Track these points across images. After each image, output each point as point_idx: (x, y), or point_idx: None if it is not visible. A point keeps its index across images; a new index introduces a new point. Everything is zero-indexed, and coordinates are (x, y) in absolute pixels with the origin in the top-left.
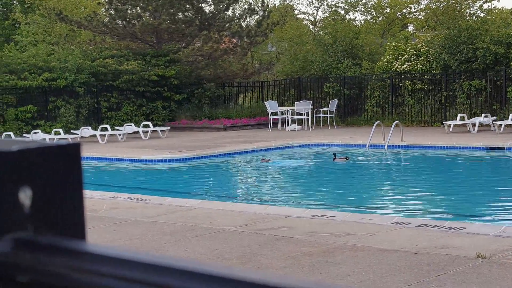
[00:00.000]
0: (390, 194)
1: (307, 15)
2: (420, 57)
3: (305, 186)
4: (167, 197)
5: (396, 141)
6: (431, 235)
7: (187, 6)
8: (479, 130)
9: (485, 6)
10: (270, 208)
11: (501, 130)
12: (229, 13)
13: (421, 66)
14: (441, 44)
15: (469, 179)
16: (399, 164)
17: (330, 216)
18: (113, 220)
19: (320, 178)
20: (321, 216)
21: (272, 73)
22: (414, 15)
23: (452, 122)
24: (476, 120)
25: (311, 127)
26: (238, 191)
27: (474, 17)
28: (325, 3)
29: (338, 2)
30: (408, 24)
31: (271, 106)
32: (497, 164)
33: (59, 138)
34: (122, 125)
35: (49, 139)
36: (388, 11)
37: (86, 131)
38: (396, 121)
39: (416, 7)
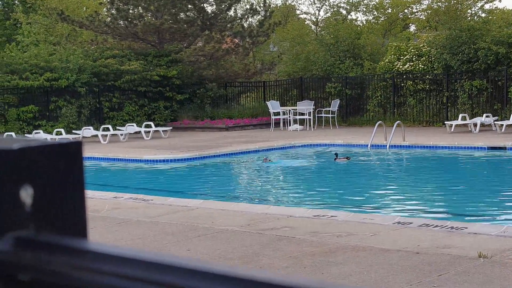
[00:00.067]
0: (392, 194)
1: (309, 15)
2: (422, 57)
3: (307, 186)
4: (169, 197)
5: (398, 141)
6: (432, 235)
7: (189, 6)
8: (480, 130)
9: (487, 6)
10: (272, 208)
11: (503, 130)
12: (231, 13)
13: (422, 66)
14: (442, 44)
15: (471, 179)
16: (401, 164)
17: (332, 216)
18: (115, 220)
19: (322, 178)
20: (323, 216)
21: (274, 73)
22: (415, 15)
23: (454, 122)
24: (478, 120)
25: (313, 127)
26: (240, 191)
27: (475, 17)
28: (327, 3)
29: (340, 2)
30: (410, 24)
31: (273, 106)
32: (498, 164)
33: (61, 138)
34: (124, 125)
35: (51, 139)
36: (390, 11)
37: (88, 131)
38: (398, 121)
39: (417, 7)
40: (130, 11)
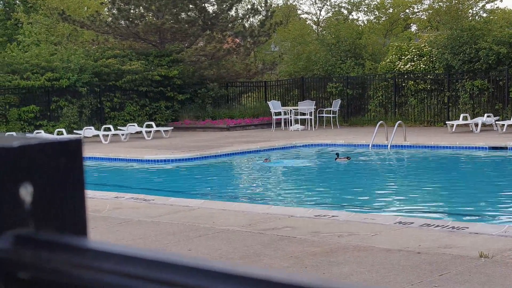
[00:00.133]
0: (393, 194)
1: (310, 15)
2: (423, 57)
3: (308, 186)
4: (170, 197)
5: (399, 141)
6: (434, 235)
7: (190, 6)
8: (481, 130)
9: (488, 6)
10: (273, 208)
11: (504, 130)
12: (232, 13)
13: (424, 66)
14: (444, 44)
15: (472, 179)
16: (402, 164)
17: (333, 216)
18: (116, 220)
19: (323, 178)
20: (324, 216)
21: (275, 73)
22: (417, 15)
23: (455, 122)
24: (479, 120)
25: (314, 127)
26: (241, 191)
27: (476, 17)
28: (328, 3)
29: (341, 2)
30: (411, 24)
31: (274, 106)
32: (499, 164)
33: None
34: (125, 125)
35: None
36: (391, 11)
37: (89, 131)
38: (399, 121)
39: (419, 7)
40: (131, 11)
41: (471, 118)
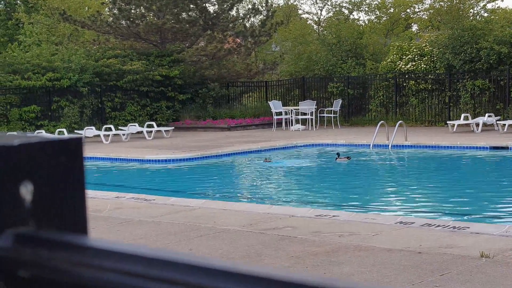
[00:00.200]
0: (394, 193)
1: (311, 15)
2: (424, 57)
3: (309, 186)
4: (171, 197)
5: (400, 141)
6: (434, 235)
7: (191, 6)
8: (482, 130)
9: (489, 6)
10: (274, 208)
11: (505, 130)
12: (233, 13)
13: (425, 66)
14: (444, 44)
15: (473, 178)
16: (403, 164)
17: (334, 216)
18: (117, 220)
19: (324, 177)
20: (325, 215)
21: (276, 73)
22: (418, 15)
23: (456, 122)
24: (480, 120)
25: (315, 127)
26: (242, 191)
27: (477, 16)
28: (329, 3)
29: (342, 2)
30: (412, 24)
31: (275, 106)
32: (500, 163)
33: None
34: (126, 125)
35: None
36: (392, 11)
37: (90, 131)
38: (400, 121)
39: (420, 7)
40: (132, 11)
41: (472, 118)
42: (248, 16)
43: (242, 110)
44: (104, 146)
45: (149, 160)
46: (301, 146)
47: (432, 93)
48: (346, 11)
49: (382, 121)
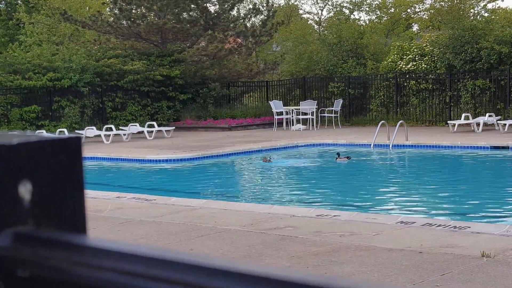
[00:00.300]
0: (395, 193)
1: (312, 14)
2: (425, 57)
3: (310, 186)
4: (171, 197)
5: (401, 140)
6: (435, 234)
7: (192, 5)
8: (483, 129)
9: (489, 6)
10: (275, 207)
11: (506, 130)
12: (234, 12)
13: (425, 65)
14: (445, 44)
15: (474, 178)
16: (404, 164)
17: (334, 216)
18: (118, 220)
19: (324, 177)
20: (326, 215)
21: (277, 73)
22: (418, 14)
23: (457, 122)
24: (481, 119)
25: (316, 126)
26: (242, 190)
27: (478, 16)
28: (329, 3)
29: (342, 2)
30: (413, 24)
31: (276, 106)
32: (501, 163)
33: None
34: (126, 125)
35: None
36: (392, 11)
37: (91, 131)
38: (401, 121)
39: (420, 7)
40: (133, 11)
41: (473, 118)
42: (249, 16)
43: (243, 110)
44: (105, 146)
45: (150, 160)
46: (302, 146)
47: (433, 93)
48: (347, 11)
49: (382, 121)
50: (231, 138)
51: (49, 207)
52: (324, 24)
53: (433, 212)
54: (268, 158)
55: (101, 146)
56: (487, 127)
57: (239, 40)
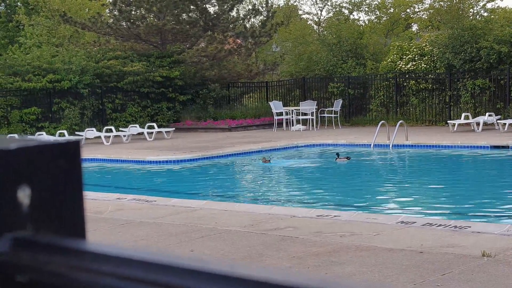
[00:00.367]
0: (395, 193)
1: (311, 15)
2: (424, 57)
3: (310, 186)
4: (172, 198)
5: (401, 140)
6: (436, 234)
7: (192, 7)
8: (483, 129)
9: (489, 5)
10: (275, 208)
11: (505, 129)
12: (234, 13)
13: (425, 65)
14: (445, 44)
15: (474, 178)
16: (404, 164)
17: (335, 216)
18: (118, 221)
19: (325, 178)
20: (326, 216)
21: (277, 73)
22: (418, 14)
23: (457, 121)
24: (480, 119)
25: (316, 127)
26: (243, 191)
27: (477, 16)
28: (329, 3)
29: (342, 2)
30: (412, 23)
31: (276, 106)
32: (501, 163)
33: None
34: (126, 126)
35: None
36: (392, 11)
37: (91, 132)
38: (401, 121)
39: (420, 7)
40: (133, 12)
41: (473, 117)
42: (248, 17)
43: (243, 110)
44: (105, 147)
45: (150, 161)
46: (302, 147)
47: (433, 93)
48: (346, 11)
49: (382, 121)
50: (231, 139)
51: (48, 211)
52: (323, 25)
53: (434, 212)
54: (268, 159)
55: (101, 147)
56: (487, 126)
57: (239, 41)
